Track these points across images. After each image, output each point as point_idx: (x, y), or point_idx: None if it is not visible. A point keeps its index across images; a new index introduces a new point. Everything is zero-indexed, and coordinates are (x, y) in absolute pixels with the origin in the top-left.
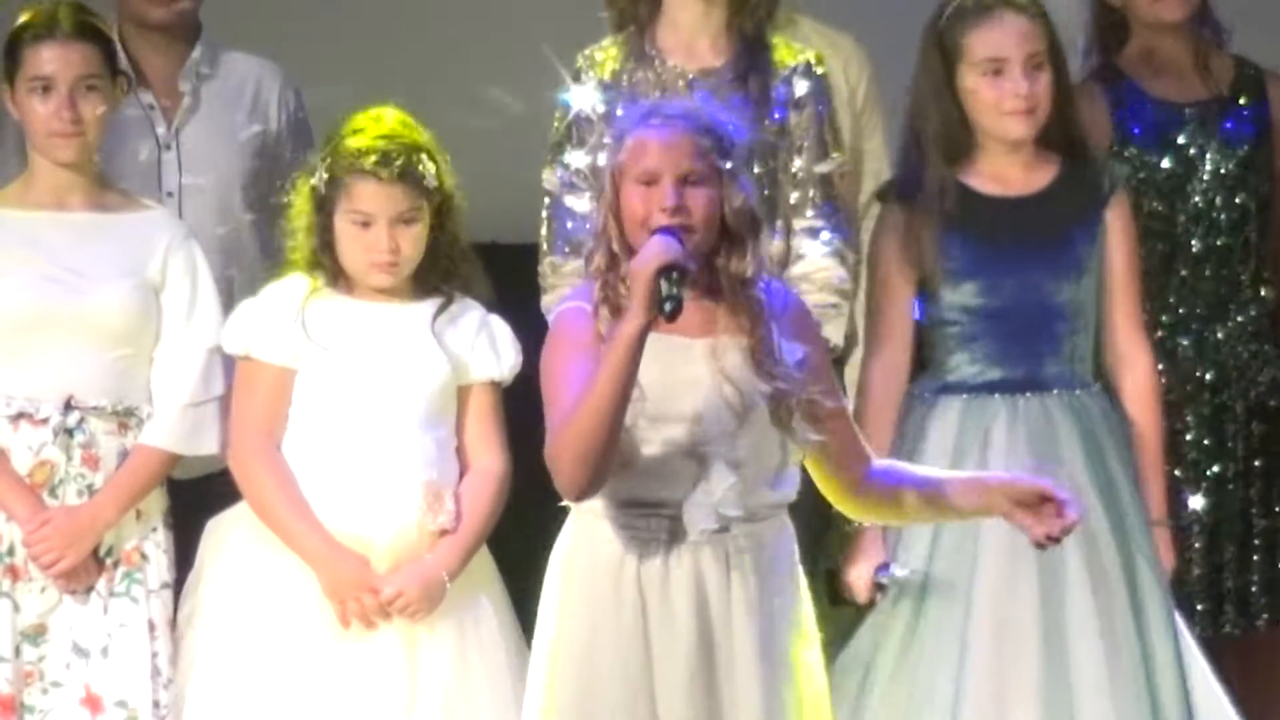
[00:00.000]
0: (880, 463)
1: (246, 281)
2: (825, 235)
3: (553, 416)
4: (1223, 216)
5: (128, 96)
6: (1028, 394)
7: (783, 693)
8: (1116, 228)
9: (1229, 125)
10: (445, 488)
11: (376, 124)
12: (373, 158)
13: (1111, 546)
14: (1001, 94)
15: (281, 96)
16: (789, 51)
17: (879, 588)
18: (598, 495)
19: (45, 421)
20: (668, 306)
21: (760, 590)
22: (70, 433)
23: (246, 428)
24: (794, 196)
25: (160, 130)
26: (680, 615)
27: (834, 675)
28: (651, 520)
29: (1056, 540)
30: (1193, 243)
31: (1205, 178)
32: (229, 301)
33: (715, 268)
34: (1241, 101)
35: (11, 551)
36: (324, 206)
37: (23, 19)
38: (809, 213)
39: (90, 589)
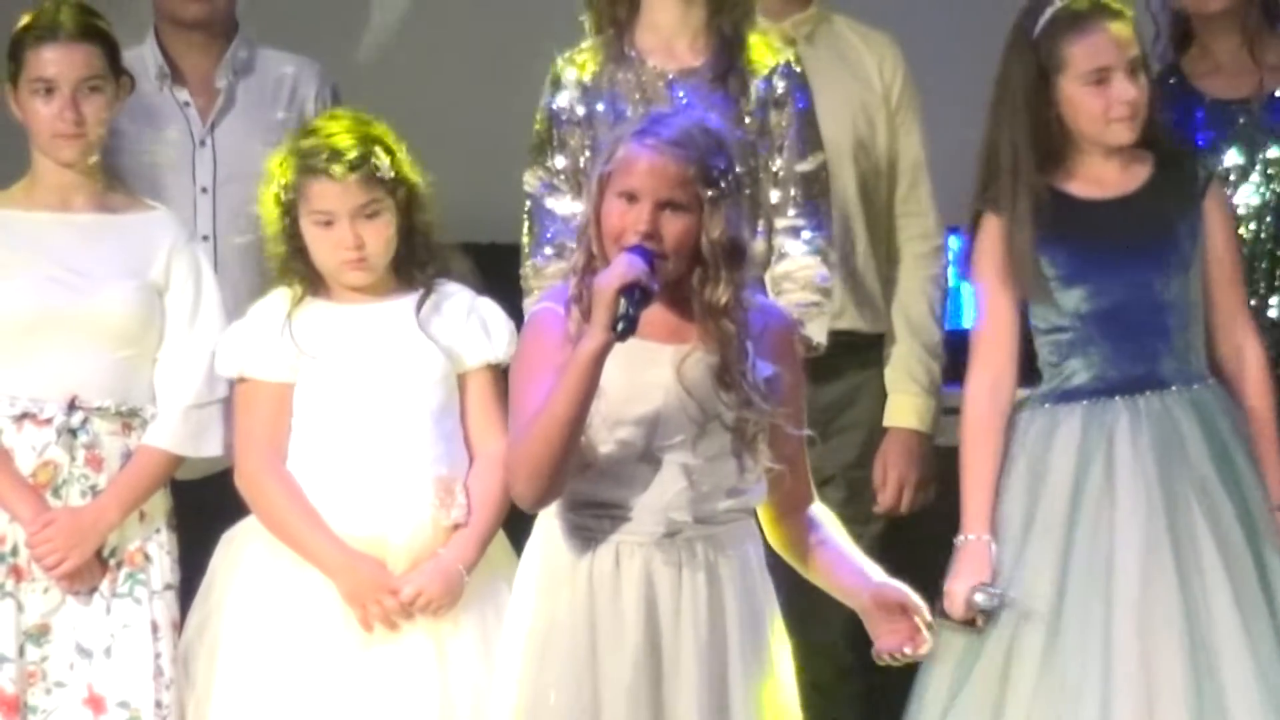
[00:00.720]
0: (817, 510)
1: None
2: (807, 234)
3: (514, 423)
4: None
5: (162, 94)
6: (1147, 393)
7: (733, 700)
8: (1216, 217)
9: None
10: (455, 481)
11: (328, 123)
12: (324, 155)
13: (1240, 540)
14: (1108, 103)
15: (319, 94)
16: (769, 51)
17: (978, 609)
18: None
19: (49, 422)
20: (619, 326)
21: (712, 593)
22: (74, 433)
23: (250, 446)
24: (775, 195)
25: (195, 127)
26: (628, 615)
27: (971, 683)
28: (604, 520)
29: (895, 659)
30: (1246, 240)
31: (1259, 173)
32: None
33: (689, 289)
34: None
35: (15, 552)
36: (289, 212)
37: (25, 20)
38: (790, 211)
39: (94, 590)
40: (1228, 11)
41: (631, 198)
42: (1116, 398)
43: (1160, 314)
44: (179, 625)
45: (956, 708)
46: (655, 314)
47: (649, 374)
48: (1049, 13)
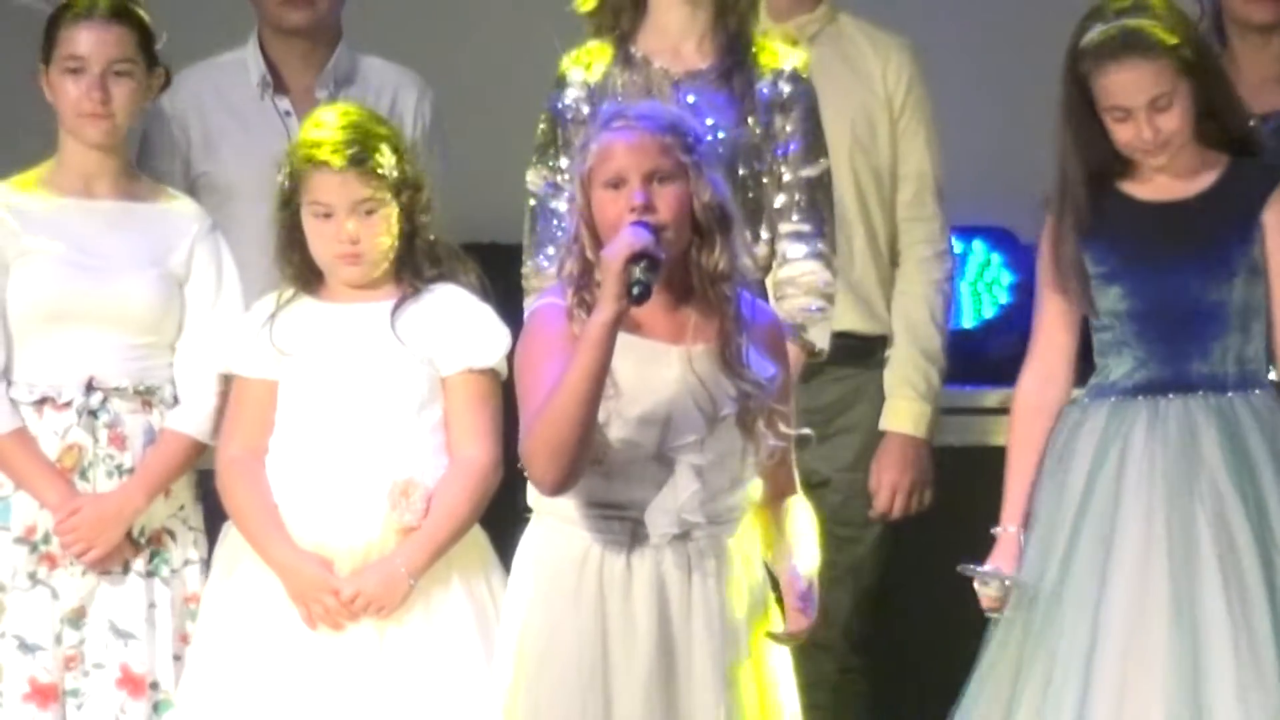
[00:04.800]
0: (793, 500)
1: None
2: (810, 239)
3: (527, 412)
4: None
5: (163, 92)
6: (1170, 395)
7: (741, 697)
8: (1276, 226)
9: None
10: (416, 485)
11: (336, 116)
12: (327, 147)
13: (1253, 554)
14: (1130, 138)
15: (418, 107)
16: (775, 54)
17: (990, 597)
18: (565, 495)
19: (68, 405)
20: (635, 291)
21: (720, 593)
22: (94, 414)
23: (228, 441)
24: (779, 200)
25: (295, 136)
26: (640, 617)
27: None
28: (614, 522)
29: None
30: None
31: None
32: None
33: (688, 266)
34: None
35: (47, 540)
36: (289, 203)
37: (64, 1)
38: (794, 216)
39: (126, 570)
40: (1268, 27)
41: (619, 183)
42: (1139, 397)
43: (1197, 319)
44: (193, 600)
45: (976, 691)
46: (657, 315)
47: (658, 374)
48: (1088, 35)
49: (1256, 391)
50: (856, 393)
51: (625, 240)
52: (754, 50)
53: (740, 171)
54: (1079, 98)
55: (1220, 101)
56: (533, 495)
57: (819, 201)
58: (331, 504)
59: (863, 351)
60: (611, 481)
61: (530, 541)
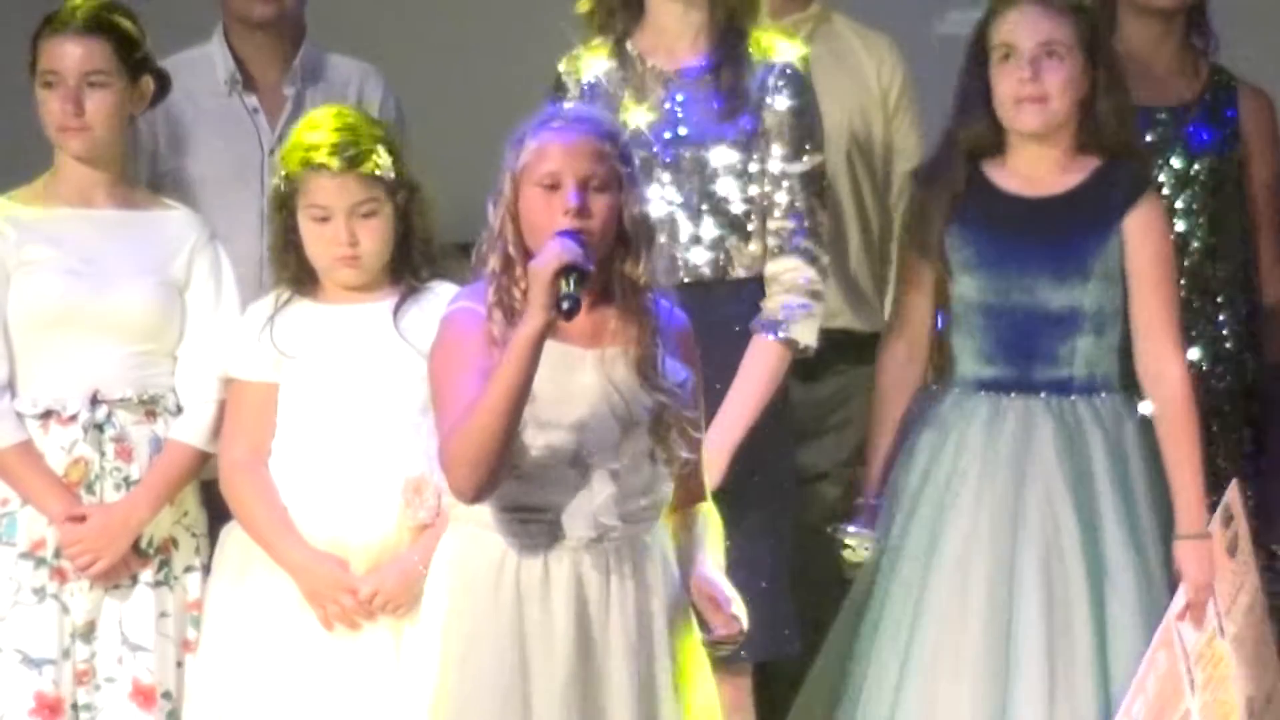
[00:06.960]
0: (702, 507)
1: None
2: (796, 236)
3: (443, 420)
4: (1180, 225)
5: (160, 99)
6: (1012, 394)
7: (661, 697)
8: (1138, 235)
9: (1193, 133)
10: (427, 482)
11: (331, 119)
12: (325, 150)
13: (1080, 561)
14: (1010, 82)
15: (383, 103)
16: (770, 49)
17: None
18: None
19: (73, 419)
20: (565, 305)
21: (639, 593)
22: (100, 427)
23: (230, 446)
24: (769, 195)
25: (264, 134)
26: (559, 620)
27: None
28: (531, 525)
29: (718, 648)
30: None
31: (1166, 186)
32: None
33: (610, 273)
34: (1210, 110)
35: (57, 554)
36: (285, 205)
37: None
38: (778, 213)
39: (134, 581)
40: (1169, 12)
41: (553, 185)
42: (982, 392)
43: (1044, 320)
44: (194, 606)
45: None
46: (575, 318)
47: (574, 379)
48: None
49: (1103, 395)
50: (852, 388)
51: (554, 251)
52: (748, 45)
53: (736, 168)
54: (978, 69)
55: (1110, 100)
56: (448, 500)
57: (809, 197)
58: (345, 502)
59: (858, 347)
60: (528, 486)
61: (447, 547)
